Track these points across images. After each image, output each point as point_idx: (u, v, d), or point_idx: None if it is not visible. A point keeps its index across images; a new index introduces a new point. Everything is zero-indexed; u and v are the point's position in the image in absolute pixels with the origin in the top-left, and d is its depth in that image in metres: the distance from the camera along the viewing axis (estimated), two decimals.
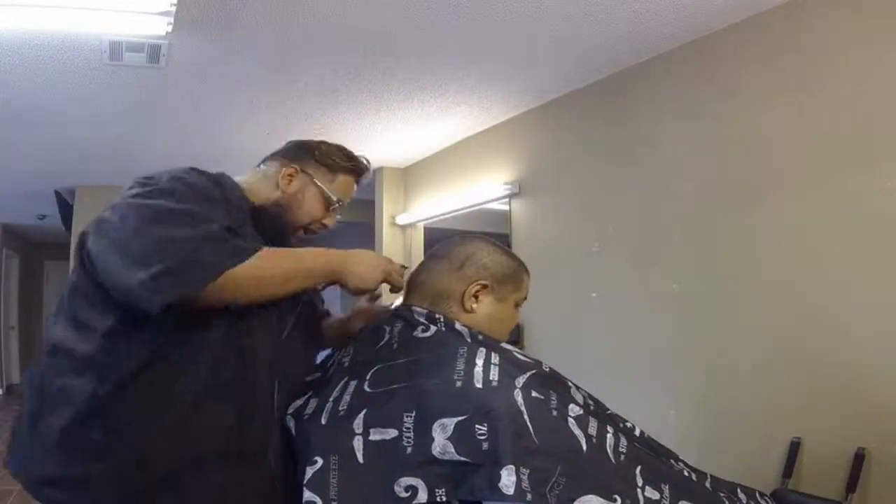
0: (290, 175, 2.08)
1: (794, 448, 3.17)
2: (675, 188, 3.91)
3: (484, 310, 1.86)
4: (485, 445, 1.44)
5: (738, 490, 1.86)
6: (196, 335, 1.71)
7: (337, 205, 2.15)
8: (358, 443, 1.51)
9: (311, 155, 2.14)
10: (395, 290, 1.97)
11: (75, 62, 4.06)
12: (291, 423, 1.73)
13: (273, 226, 2.00)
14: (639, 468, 1.59)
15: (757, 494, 1.91)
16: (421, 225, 6.91)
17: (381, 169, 7.12)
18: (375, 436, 1.51)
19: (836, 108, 3.14)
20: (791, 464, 3.16)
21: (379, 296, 2.19)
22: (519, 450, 1.44)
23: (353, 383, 1.67)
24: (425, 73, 4.44)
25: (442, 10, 3.52)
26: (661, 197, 4.00)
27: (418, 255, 6.97)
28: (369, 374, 1.66)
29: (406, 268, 1.97)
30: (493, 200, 5.53)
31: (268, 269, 1.75)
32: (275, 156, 2.17)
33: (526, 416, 1.50)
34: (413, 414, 1.50)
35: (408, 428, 1.49)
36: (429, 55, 4.14)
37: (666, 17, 3.57)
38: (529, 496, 1.39)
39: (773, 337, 3.34)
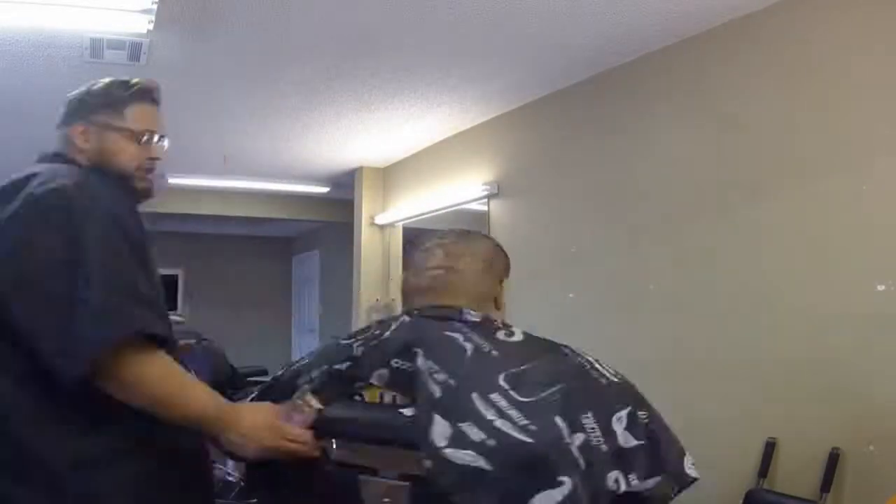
0: (81, 133, 1.93)
1: (770, 448, 3.20)
2: (654, 190, 3.93)
3: (503, 306, 1.91)
4: (651, 426, 1.56)
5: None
6: None
7: (148, 135, 1.96)
8: (576, 452, 1.46)
9: (87, 105, 1.97)
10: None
11: (56, 60, 4.03)
12: (468, 453, 1.47)
13: (109, 188, 1.84)
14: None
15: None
16: (400, 225, 6.91)
17: (360, 169, 7.12)
18: (576, 441, 1.47)
19: (821, 110, 3.17)
20: (766, 464, 3.19)
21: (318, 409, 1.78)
22: (666, 428, 1.61)
23: (495, 396, 1.53)
24: (406, 74, 4.45)
25: (423, 11, 3.53)
26: (640, 198, 4.02)
27: (397, 255, 6.98)
28: (500, 382, 1.55)
29: (321, 409, 1.70)
30: (472, 201, 5.54)
31: (145, 383, 1.64)
32: (58, 126, 2.00)
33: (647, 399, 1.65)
34: (589, 414, 1.52)
35: (592, 428, 1.50)
36: (409, 56, 4.15)
37: (648, 19, 3.59)
38: (694, 473, 1.57)
39: (749, 338, 3.37)
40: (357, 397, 1.71)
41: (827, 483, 2.94)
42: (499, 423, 1.48)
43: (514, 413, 1.50)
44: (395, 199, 6.90)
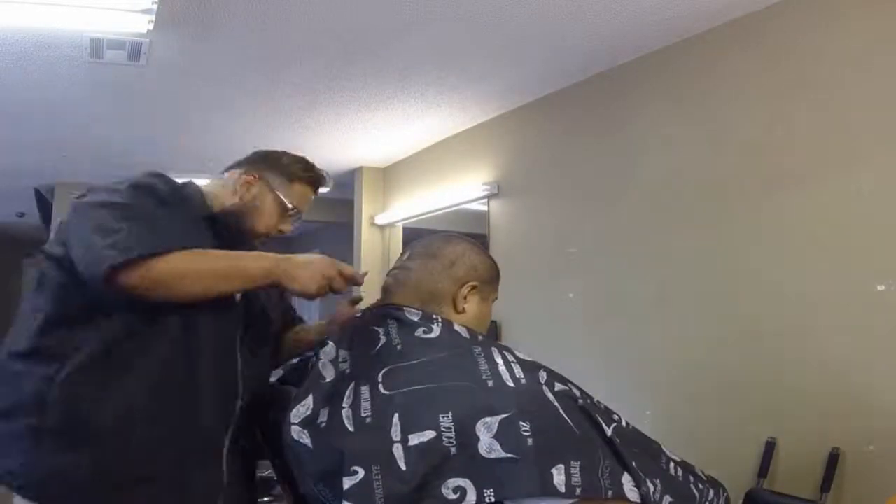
0: (248, 182, 2.15)
1: (769, 448, 3.20)
2: (654, 190, 3.94)
3: (472, 310, 1.89)
4: (530, 442, 1.44)
5: (709, 487, 1.87)
6: (146, 331, 1.80)
7: (292, 212, 2.22)
8: (398, 450, 1.48)
9: (270, 164, 2.23)
10: (337, 293, 1.97)
11: (56, 59, 4.04)
12: (305, 433, 1.66)
13: (231, 232, 2.07)
14: (634, 462, 1.61)
15: (721, 491, 1.92)
16: (400, 225, 6.91)
17: (360, 169, 7.11)
18: (414, 440, 1.48)
19: (819, 110, 3.17)
20: (766, 464, 3.19)
21: (360, 299, 2.20)
22: (565, 446, 1.47)
23: (365, 388, 1.64)
24: (405, 74, 4.45)
25: (422, 11, 3.53)
26: (640, 198, 4.03)
27: (397, 255, 6.92)
28: (380, 376, 1.63)
29: (366, 273, 1.96)
30: (471, 201, 5.53)
31: (195, 266, 1.79)
32: (237, 164, 2.23)
33: (562, 412, 1.53)
34: (449, 415, 1.48)
35: (446, 428, 1.47)
36: (409, 56, 4.15)
37: (648, 19, 3.59)
38: (579, 490, 1.43)
39: (749, 337, 3.37)
40: None
41: (827, 483, 2.94)
42: (345, 411, 1.62)
43: (365, 405, 1.60)
44: (395, 199, 6.90)
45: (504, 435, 1.45)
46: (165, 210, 1.88)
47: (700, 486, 1.81)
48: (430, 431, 1.48)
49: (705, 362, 3.57)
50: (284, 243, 12.52)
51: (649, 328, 3.90)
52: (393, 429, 1.51)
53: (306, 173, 2.30)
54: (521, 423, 1.46)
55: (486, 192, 5.33)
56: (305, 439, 1.64)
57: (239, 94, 4.81)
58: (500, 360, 1.63)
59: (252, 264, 1.85)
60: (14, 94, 4.66)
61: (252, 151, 2.30)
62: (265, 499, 2.08)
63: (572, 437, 1.50)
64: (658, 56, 3.96)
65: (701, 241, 3.65)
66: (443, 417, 1.48)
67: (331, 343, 1.83)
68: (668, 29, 3.70)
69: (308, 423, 1.67)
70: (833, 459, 2.94)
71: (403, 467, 1.46)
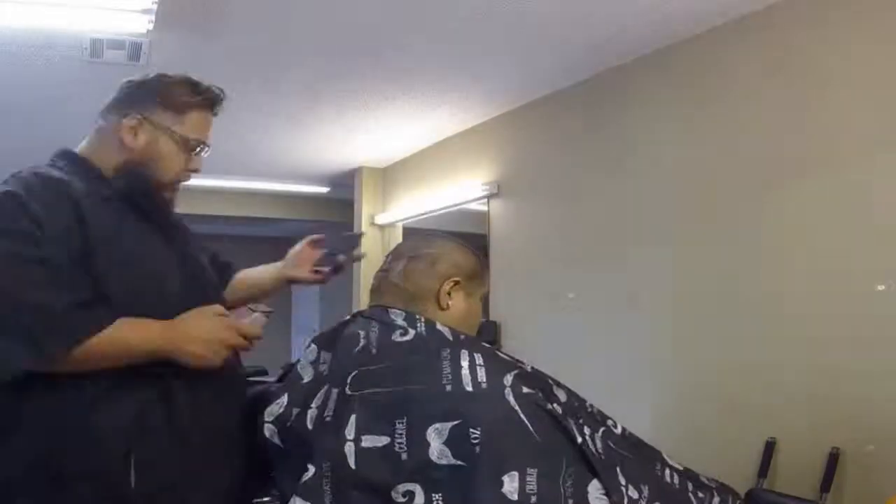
0: (132, 128, 1.85)
1: (769, 448, 3.20)
2: (654, 190, 3.94)
3: (457, 306, 1.87)
4: (478, 449, 1.43)
5: (715, 493, 1.86)
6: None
7: (197, 145, 1.94)
8: (349, 448, 1.49)
9: (151, 98, 1.88)
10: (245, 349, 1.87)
11: (55, 59, 4.04)
12: (274, 430, 1.71)
13: (138, 189, 1.83)
14: (618, 468, 1.59)
15: (730, 498, 1.92)
16: (400, 225, 6.91)
17: (360, 169, 7.12)
18: (367, 442, 1.48)
19: (819, 110, 3.17)
20: (766, 464, 3.19)
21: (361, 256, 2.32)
22: (522, 452, 1.45)
23: (335, 390, 1.64)
24: (406, 74, 4.45)
25: (423, 12, 3.54)
26: (640, 199, 4.03)
27: None
28: (349, 378, 1.63)
29: (271, 312, 1.92)
30: (471, 201, 5.53)
31: (90, 359, 1.64)
32: (110, 109, 1.92)
33: (523, 416, 1.50)
34: (404, 420, 1.49)
35: (400, 434, 1.47)
36: (410, 56, 4.15)
37: (648, 19, 3.59)
38: (534, 498, 1.40)
39: (748, 338, 3.37)
40: None
41: (827, 483, 2.94)
42: (311, 411, 1.65)
43: (330, 404, 1.62)
44: (395, 199, 6.90)
45: (454, 441, 1.45)
46: (48, 241, 1.65)
47: (700, 493, 1.80)
48: (385, 437, 1.49)
49: (705, 362, 3.57)
50: (284, 244, 12.53)
51: (649, 328, 3.90)
52: (347, 428, 1.52)
53: (197, 97, 1.94)
54: (472, 429, 1.45)
55: (486, 192, 5.33)
56: (275, 439, 1.70)
57: (239, 94, 4.78)
58: (465, 364, 1.60)
59: (136, 345, 1.69)
60: (14, 94, 4.66)
61: (119, 88, 1.93)
62: (265, 499, 2.04)
63: (531, 443, 1.48)
64: (658, 56, 3.96)
65: (700, 241, 3.65)
66: (399, 423, 1.49)
67: (314, 345, 1.83)
68: (668, 29, 3.70)
69: (278, 421, 1.71)
70: (833, 459, 2.94)
71: (353, 466, 1.48)
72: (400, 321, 1.76)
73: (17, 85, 4.46)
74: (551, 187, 4.77)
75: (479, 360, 1.63)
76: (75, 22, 3.52)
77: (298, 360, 1.84)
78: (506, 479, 1.41)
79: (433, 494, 1.42)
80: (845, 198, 3.04)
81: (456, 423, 1.46)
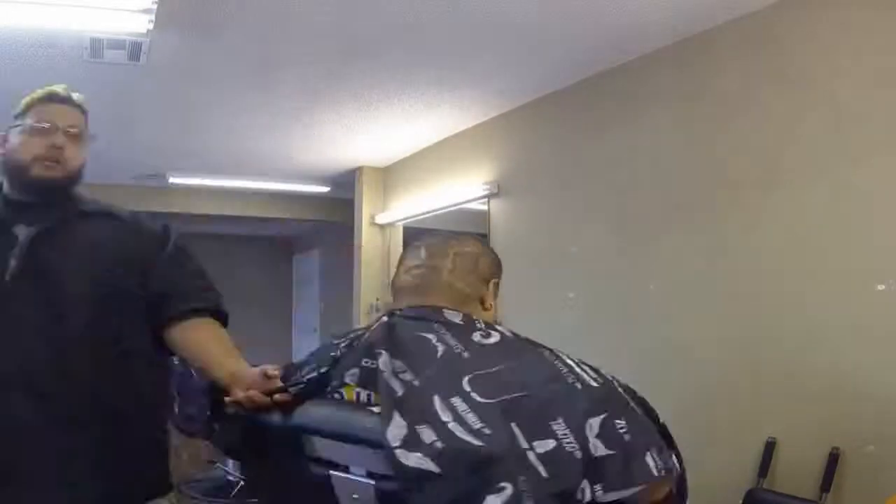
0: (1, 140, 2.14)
1: (770, 448, 3.20)
2: (654, 190, 3.94)
3: (492, 307, 1.88)
4: (626, 437, 1.48)
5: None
6: None
7: (42, 126, 2.12)
8: (533, 458, 1.43)
9: (13, 118, 2.18)
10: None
11: (56, 59, 4.03)
12: (424, 458, 1.47)
13: (24, 188, 2.08)
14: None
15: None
16: (400, 224, 6.91)
17: (360, 169, 7.11)
18: (540, 448, 1.44)
19: (819, 110, 3.17)
20: (766, 464, 3.19)
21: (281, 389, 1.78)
22: (646, 434, 1.54)
23: (456, 400, 1.52)
24: (406, 74, 4.45)
25: (423, 12, 3.53)
26: (639, 198, 4.02)
27: (397, 255, 6.95)
28: (465, 384, 1.55)
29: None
30: (472, 200, 5.53)
31: None
32: None
33: (632, 403, 1.60)
34: (560, 421, 1.47)
35: (564, 435, 1.45)
36: (409, 56, 4.15)
37: (648, 19, 3.59)
38: (663, 471, 1.49)
39: (748, 338, 3.37)
40: (336, 395, 1.70)
41: (827, 483, 2.94)
42: (451, 425, 1.49)
43: (470, 416, 1.50)
44: (396, 199, 6.90)
45: (606, 434, 1.48)
46: None
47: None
48: (551, 440, 1.46)
49: (705, 362, 3.57)
50: (284, 244, 12.56)
51: (649, 328, 3.90)
52: (518, 438, 1.45)
53: (33, 99, 2.20)
54: (617, 420, 1.50)
55: (486, 192, 5.33)
56: (427, 464, 1.46)
57: (239, 94, 4.81)
58: (571, 361, 1.65)
59: None
60: (14, 94, 4.65)
61: None
62: None
63: (647, 425, 1.57)
64: (658, 56, 3.96)
65: (700, 241, 3.65)
66: (554, 424, 1.47)
67: (385, 352, 1.65)
68: (669, 29, 3.70)
69: (413, 445, 1.49)
70: (833, 459, 2.94)
71: (546, 475, 1.42)
72: (458, 321, 1.72)
73: (17, 84, 4.43)
74: (551, 187, 4.77)
75: (571, 357, 1.67)
76: (75, 22, 3.52)
77: (379, 371, 1.63)
78: (647, 459, 1.49)
79: (595, 486, 1.44)
80: (846, 197, 3.04)
81: (603, 416, 1.49)
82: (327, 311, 10.79)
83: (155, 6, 3.32)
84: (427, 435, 1.49)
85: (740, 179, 3.46)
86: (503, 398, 1.51)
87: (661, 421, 1.68)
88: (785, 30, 3.32)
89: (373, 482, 1.54)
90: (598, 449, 1.46)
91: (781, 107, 3.31)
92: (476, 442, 1.45)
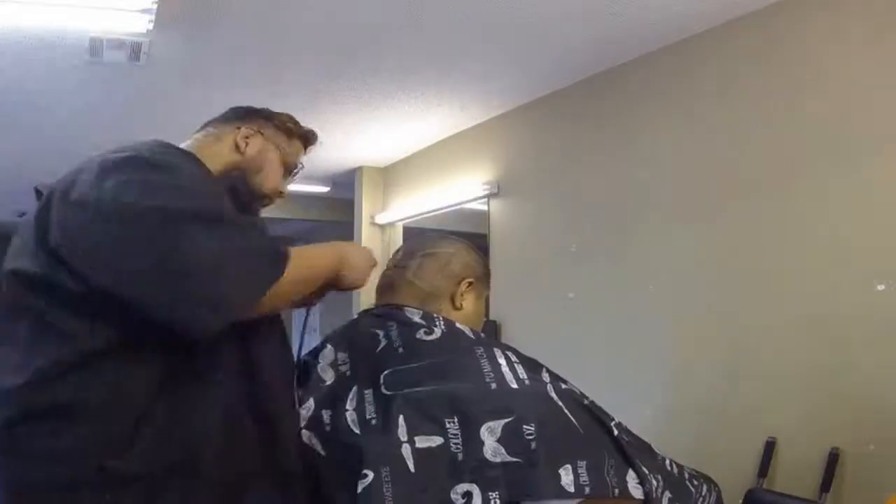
0: (247, 137, 1.92)
1: (769, 448, 3.20)
2: (653, 190, 3.94)
3: (469, 307, 1.89)
4: (534, 445, 1.44)
5: (703, 482, 1.88)
6: (206, 357, 1.49)
7: (296, 170, 2.04)
8: (406, 451, 1.45)
9: (264, 118, 2.03)
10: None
11: (55, 60, 4.03)
12: (311, 435, 1.60)
13: (240, 195, 1.80)
14: (637, 459, 1.61)
15: (714, 488, 1.93)
16: (400, 224, 6.91)
17: (360, 168, 7.11)
18: (422, 443, 1.46)
19: (819, 110, 3.17)
20: (766, 463, 3.19)
21: None
22: (571, 446, 1.48)
23: (367, 391, 1.59)
24: (406, 73, 4.45)
25: (423, 11, 3.54)
26: (639, 198, 4.03)
27: None
28: (382, 378, 1.60)
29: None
30: (472, 200, 5.53)
31: (295, 274, 1.55)
32: (222, 120, 2.00)
33: (566, 411, 1.54)
34: (455, 419, 1.47)
35: (454, 434, 1.46)
36: (409, 55, 4.15)
37: (648, 18, 3.59)
38: (588, 490, 1.43)
39: (748, 338, 3.37)
40: None
41: (827, 483, 2.94)
42: (349, 413, 1.57)
43: (369, 407, 1.56)
44: (396, 199, 6.90)
45: (508, 438, 1.45)
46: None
47: (695, 482, 1.83)
48: (438, 437, 1.46)
49: (705, 362, 3.57)
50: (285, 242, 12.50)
51: (649, 328, 3.90)
52: (399, 430, 1.48)
53: (299, 129, 2.10)
54: (525, 426, 1.46)
55: (486, 192, 5.33)
56: (316, 444, 1.58)
57: (239, 94, 4.79)
58: (502, 361, 1.62)
59: (323, 262, 1.69)
60: (14, 94, 4.66)
61: (228, 110, 2.06)
62: None
63: (577, 436, 1.51)
64: (658, 56, 3.96)
65: (700, 241, 3.65)
66: (448, 422, 1.47)
67: (329, 346, 1.78)
68: (669, 28, 3.70)
69: (312, 426, 1.61)
70: (833, 459, 2.94)
71: (412, 469, 1.44)
72: (417, 319, 1.76)
73: (17, 84, 4.45)
74: (551, 187, 4.77)
75: (513, 357, 1.66)
76: (75, 22, 3.52)
77: (314, 362, 1.76)
78: (562, 472, 1.43)
79: (489, 493, 1.42)
80: (846, 196, 3.04)
81: (508, 420, 1.47)
82: (327, 311, 10.77)
83: (155, 6, 3.32)
84: (327, 419, 1.60)
85: (740, 180, 3.46)
86: (405, 391, 1.54)
87: (615, 434, 1.61)
88: (786, 28, 3.32)
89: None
90: (498, 454, 1.44)
91: (781, 107, 3.32)
92: (356, 430, 1.53)
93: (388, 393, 1.56)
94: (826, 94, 3.15)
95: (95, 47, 3.85)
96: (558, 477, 1.43)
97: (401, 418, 1.49)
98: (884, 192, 2.91)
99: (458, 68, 4.38)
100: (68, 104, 4.88)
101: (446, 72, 4.43)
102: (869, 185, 2.97)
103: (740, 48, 3.51)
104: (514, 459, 1.43)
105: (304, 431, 1.60)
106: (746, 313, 3.39)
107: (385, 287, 1.93)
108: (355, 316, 1.90)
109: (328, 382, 1.69)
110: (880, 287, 2.89)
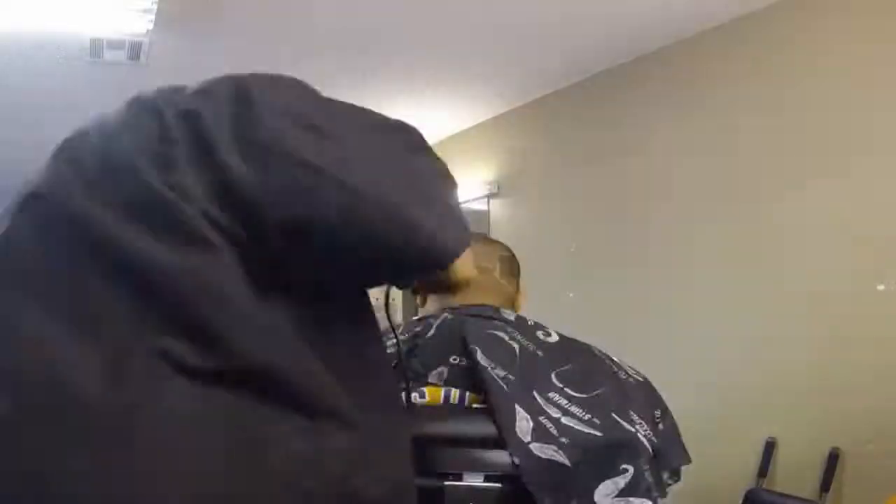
0: None
1: (769, 448, 3.21)
2: (655, 190, 3.94)
3: (519, 307, 1.94)
4: (661, 426, 1.63)
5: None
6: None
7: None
8: (641, 439, 1.53)
9: None
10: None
11: (55, 60, 4.03)
12: (554, 449, 1.47)
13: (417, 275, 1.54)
14: None
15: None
16: None
17: None
18: (640, 431, 1.55)
19: (819, 110, 3.17)
20: (766, 464, 3.20)
21: None
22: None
23: (553, 395, 1.54)
24: (406, 74, 4.45)
25: (423, 12, 3.53)
26: (641, 198, 4.03)
27: None
28: (553, 380, 1.57)
29: None
30: (472, 200, 5.52)
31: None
32: None
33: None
34: (632, 411, 1.57)
35: (640, 423, 1.57)
36: (410, 55, 4.15)
37: (649, 18, 3.59)
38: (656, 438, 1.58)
39: (749, 338, 3.37)
40: (416, 396, 1.57)
41: (827, 483, 2.94)
42: (564, 419, 1.51)
43: (575, 409, 1.53)
44: None
45: (663, 422, 1.66)
46: None
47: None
48: (642, 425, 1.56)
49: (705, 362, 3.57)
50: None
51: (649, 328, 3.89)
52: (624, 423, 1.54)
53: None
54: (655, 412, 1.66)
55: (486, 192, 5.33)
56: (560, 457, 1.46)
57: None
58: (615, 359, 1.76)
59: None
60: (14, 94, 4.66)
61: None
62: None
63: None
64: (658, 56, 3.96)
65: (700, 241, 3.65)
66: (634, 414, 1.56)
67: (478, 349, 1.60)
68: (669, 29, 3.70)
69: (545, 437, 1.48)
70: (833, 459, 2.94)
71: (651, 451, 1.53)
72: (513, 319, 1.78)
73: (17, 84, 4.45)
74: (552, 186, 4.77)
75: (611, 356, 1.78)
76: (75, 22, 3.52)
77: (481, 367, 1.58)
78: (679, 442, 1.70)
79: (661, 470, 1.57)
80: (846, 197, 3.04)
81: (661, 408, 1.69)
82: None
83: (155, 6, 3.32)
84: (551, 428, 1.49)
85: (741, 180, 3.46)
86: (593, 392, 1.57)
87: None
88: (786, 30, 3.32)
89: (499, 485, 1.48)
90: (649, 438, 1.55)
91: (783, 108, 3.31)
92: (595, 432, 1.49)
93: (579, 395, 1.57)
94: (828, 93, 3.15)
95: (95, 47, 3.85)
96: (682, 446, 1.69)
97: (613, 414, 1.55)
98: (885, 192, 2.91)
99: (460, 68, 4.37)
100: (67, 104, 4.86)
101: (447, 72, 4.43)
102: (871, 186, 2.97)
103: (741, 48, 3.51)
104: (655, 440, 1.56)
105: (534, 445, 1.47)
106: (746, 313, 3.39)
107: (473, 287, 1.73)
108: (446, 315, 1.75)
109: (506, 389, 1.54)
110: (880, 287, 2.89)
